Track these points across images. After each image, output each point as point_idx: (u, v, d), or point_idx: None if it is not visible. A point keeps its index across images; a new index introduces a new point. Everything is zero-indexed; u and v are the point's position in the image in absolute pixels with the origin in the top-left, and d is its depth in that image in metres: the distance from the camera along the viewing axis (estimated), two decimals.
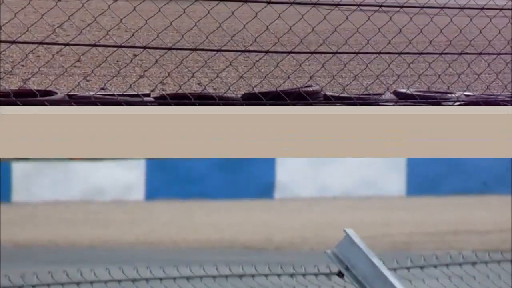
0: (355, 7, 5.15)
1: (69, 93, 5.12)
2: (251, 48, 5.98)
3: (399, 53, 6.13)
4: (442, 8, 5.18)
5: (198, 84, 13.38)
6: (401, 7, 5.13)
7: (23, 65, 14.16)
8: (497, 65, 6.68)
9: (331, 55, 5.58)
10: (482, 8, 5.20)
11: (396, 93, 6.47)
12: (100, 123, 3.74)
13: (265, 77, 5.82)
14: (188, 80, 7.32)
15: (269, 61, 12.80)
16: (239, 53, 5.21)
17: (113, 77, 8.68)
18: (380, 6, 5.05)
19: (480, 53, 5.72)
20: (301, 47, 5.92)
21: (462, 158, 13.68)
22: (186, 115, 3.92)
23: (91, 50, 6.23)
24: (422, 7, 5.30)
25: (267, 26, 5.48)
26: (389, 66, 6.87)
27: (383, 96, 6.43)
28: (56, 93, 4.92)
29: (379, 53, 5.74)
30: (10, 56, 15.05)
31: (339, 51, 5.80)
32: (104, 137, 3.73)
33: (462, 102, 6.05)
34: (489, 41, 5.90)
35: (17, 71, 12.76)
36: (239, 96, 5.74)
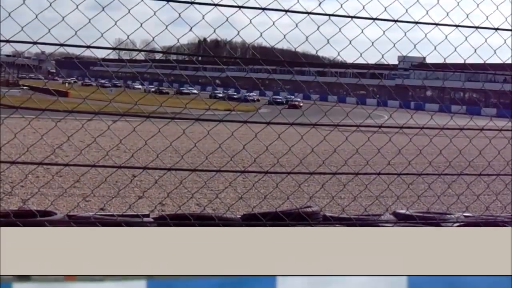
0: (354, 128, 5.21)
1: (69, 214, 5.10)
2: (250, 169, 5.97)
3: (399, 174, 6.12)
4: (441, 129, 5.24)
5: (197, 204, 13.41)
6: (401, 127, 5.19)
7: (22, 186, 14.23)
8: (496, 186, 6.69)
9: (330, 175, 5.58)
10: (481, 129, 5.26)
11: (395, 214, 6.43)
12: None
13: (264, 197, 5.79)
14: (188, 200, 7.30)
15: (268, 182, 12.83)
16: (239, 173, 5.18)
17: (112, 197, 8.68)
18: (380, 126, 5.11)
19: (480, 174, 5.72)
20: (300, 168, 5.95)
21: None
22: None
23: (90, 171, 6.25)
24: (421, 128, 5.36)
25: (267, 147, 5.54)
26: (388, 187, 6.89)
27: (383, 217, 6.37)
28: (56, 214, 4.89)
29: (379, 173, 5.73)
30: (9, 177, 15.16)
31: (338, 171, 5.80)
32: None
33: (461, 223, 6.01)
34: (489, 162, 5.92)
35: (16, 192, 12.81)
36: (239, 216, 5.71)
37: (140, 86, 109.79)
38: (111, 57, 4.95)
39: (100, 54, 4.62)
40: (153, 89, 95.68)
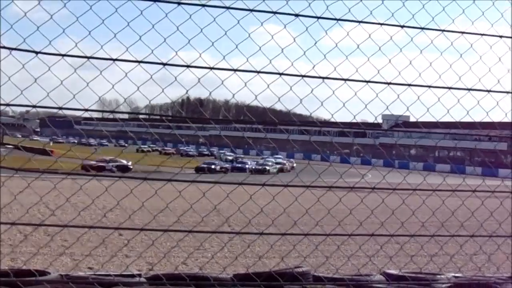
0: (348, 189, 5.33)
1: (66, 274, 5.12)
2: (244, 230, 6.04)
3: (391, 235, 6.21)
4: (434, 190, 5.37)
5: (184, 263, 13.48)
6: (394, 189, 5.32)
7: (21, 246, 14.21)
8: (489, 246, 6.79)
9: (324, 236, 5.66)
10: (474, 191, 5.39)
11: (388, 274, 6.49)
12: None
13: (259, 258, 5.83)
14: (185, 260, 7.32)
15: (263, 242, 12.84)
16: (234, 234, 5.24)
17: (112, 256, 8.66)
18: (373, 188, 5.23)
19: (472, 236, 5.83)
20: (294, 229, 6.03)
21: None
22: None
23: (82, 231, 6.29)
24: (414, 190, 5.48)
25: (261, 208, 5.63)
26: (381, 248, 6.96)
27: (375, 277, 6.43)
28: (52, 273, 4.91)
29: (372, 235, 5.83)
30: (9, 239, 15.10)
31: (332, 233, 5.88)
32: None
33: (452, 284, 6.07)
34: (481, 223, 6.04)
35: (16, 251, 12.77)
36: (233, 276, 5.75)
37: (125, 144, 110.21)
38: (95, 115, 5.05)
39: (85, 113, 4.67)
40: (146, 148, 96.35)
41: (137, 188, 4.85)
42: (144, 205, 5.25)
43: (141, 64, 4.51)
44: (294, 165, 70.32)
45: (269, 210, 6.25)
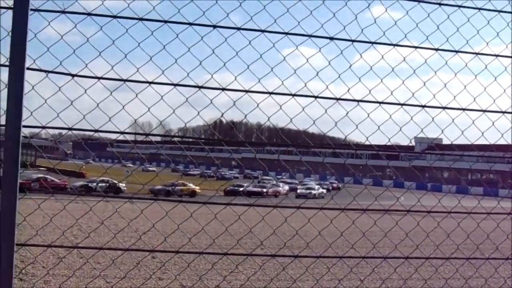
0: (382, 212, 5.27)
1: None
2: (279, 253, 5.99)
3: (426, 258, 6.12)
4: (468, 213, 5.28)
5: (228, 287, 13.45)
6: (428, 212, 5.24)
7: (55, 269, 14.36)
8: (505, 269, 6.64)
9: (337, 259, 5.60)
10: (509, 213, 5.29)
11: None
12: None
13: (294, 281, 5.77)
14: (219, 283, 7.30)
15: (297, 265, 12.77)
16: (268, 257, 5.21)
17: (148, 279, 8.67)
18: (365, 210, 5.18)
19: (507, 258, 5.71)
20: (329, 252, 6.00)
21: None
22: None
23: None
24: (448, 212, 5.40)
25: (296, 231, 5.60)
26: (416, 270, 6.87)
27: None
28: None
29: (407, 257, 5.74)
30: (42, 261, 15.27)
31: (367, 255, 5.81)
32: None
33: None
34: (497, 246, 5.91)
35: (50, 273, 12.91)
36: None
37: (154, 168, 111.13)
38: (128, 138, 5.07)
39: (117, 135, 4.67)
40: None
41: (172, 211, 4.87)
42: (179, 227, 5.26)
43: (177, 87, 4.54)
44: (340, 185, 69.25)
45: (303, 232, 6.21)
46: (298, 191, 62.75)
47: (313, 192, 63.39)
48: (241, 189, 57.58)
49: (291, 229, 5.58)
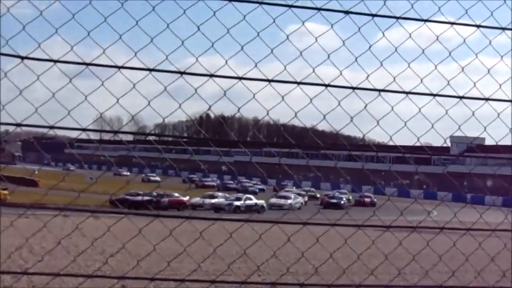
0: (410, 229, 5.29)
1: None
2: (280, 281, 6.04)
3: (465, 287, 6.16)
4: (468, 230, 5.31)
5: None
6: (415, 228, 5.29)
7: None
8: None
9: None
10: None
11: None
12: None
13: None
14: None
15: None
16: (267, 286, 5.27)
17: None
18: (388, 227, 5.20)
19: None
20: (343, 279, 6.01)
21: None
22: None
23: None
24: (493, 230, 5.43)
25: (302, 253, 5.63)
26: None
27: None
28: None
29: (387, 286, 5.79)
30: None
31: (390, 284, 5.84)
32: None
33: None
34: None
35: None
36: None
37: (127, 173, 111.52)
38: (92, 136, 5.03)
39: (78, 133, 4.59)
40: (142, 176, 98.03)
41: (146, 227, 4.86)
42: (156, 248, 5.26)
43: (153, 72, 4.54)
44: (375, 200, 68.18)
45: (310, 255, 6.22)
46: (271, 200, 63.07)
47: (289, 201, 63.58)
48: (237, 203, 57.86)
49: (295, 250, 5.59)
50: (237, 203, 56.83)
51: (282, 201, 62.92)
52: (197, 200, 57.35)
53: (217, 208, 54.62)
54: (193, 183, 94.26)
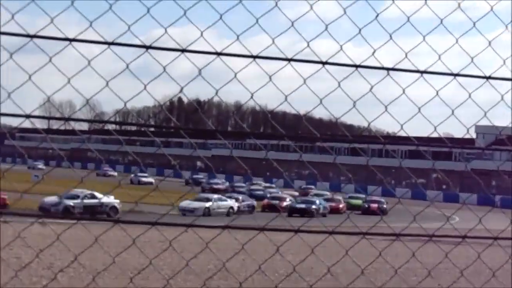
0: (425, 239, 5.34)
1: None
2: None
3: None
4: (495, 239, 5.36)
5: None
6: (495, 238, 5.32)
7: None
8: None
9: None
10: None
11: None
12: None
13: None
14: None
15: None
16: None
17: None
18: (398, 235, 5.25)
19: None
20: None
21: None
22: None
23: None
24: (464, 237, 5.48)
25: (294, 267, 5.66)
26: None
27: None
28: None
29: None
30: None
31: None
32: None
33: None
34: None
35: None
36: None
37: (114, 173, 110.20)
38: (38, 125, 5.01)
39: (20, 121, 4.56)
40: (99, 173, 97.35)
41: (104, 236, 4.86)
42: (115, 261, 5.26)
43: (112, 47, 4.54)
44: (386, 205, 66.71)
45: (304, 270, 6.25)
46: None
47: (314, 207, 63.66)
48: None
49: (286, 264, 5.61)
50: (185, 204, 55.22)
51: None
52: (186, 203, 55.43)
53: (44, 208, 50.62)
54: (198, 185, 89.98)
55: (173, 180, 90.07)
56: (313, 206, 62.41)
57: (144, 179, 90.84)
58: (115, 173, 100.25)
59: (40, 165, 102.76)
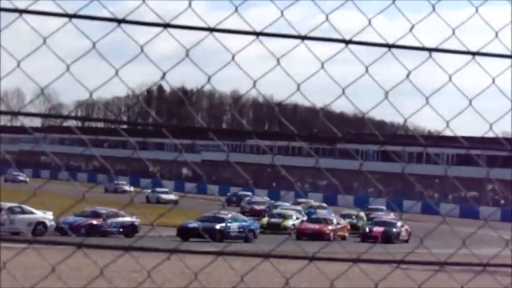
0: (479, 268, 5.38)
1: None
2: None
3: None
4: None
5: None
6: (485, 265, 5.38)
7: None
8: None
9: None
10: None
11: None
12: None
13: None
14: None
15: None
16: None
17: None
18: (442, 264, 5.30)
19: None
20: None
21: None
22: None
23: None
24: None
25: None
26: None
27: None
28: None
29: None
30: None
31: None
32: None
33: None
34: None
35: None
36: None
37: (128, 188, 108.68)
38: None
39: None
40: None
41: (64, 264, 4.88)
42: None
43: (75, 21, 4.56)
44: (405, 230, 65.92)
45: None
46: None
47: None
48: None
49: None
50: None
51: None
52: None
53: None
54: (236, 205, 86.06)
55: (196, 196, 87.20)
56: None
57: (164, 196, 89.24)
58: (131, 188, 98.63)
59: None
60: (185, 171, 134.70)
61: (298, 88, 4.98)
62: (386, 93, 5.06)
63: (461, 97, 5.18)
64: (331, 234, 60.07)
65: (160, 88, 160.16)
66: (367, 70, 5.00)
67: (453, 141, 5.57)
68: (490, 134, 5.40)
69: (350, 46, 4.89)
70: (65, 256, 4.93)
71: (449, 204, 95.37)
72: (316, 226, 62.24)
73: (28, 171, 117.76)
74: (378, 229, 63.58)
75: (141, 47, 4.69)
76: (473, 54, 5.07)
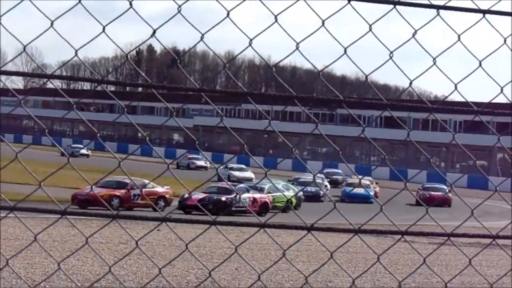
0: (487, 241, 5.38)
1: None
2: None
3: None
4: None
5: None
6: (494, 237, 5.38)
7: None
8: None
9: None
10: None
11: None
12: None
13: None
14: None
15: None
16: None
17: None
18: (449, 235, 5.31)
19: None
20: None
21: None
22: None
23: None
24: None
25: (306, 279, 5.72)
26: None
27: None
28: None
29: None
30: None
31: None
32: None
33: None
34: None
35: None
36: None
37: (205, 163, 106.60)
38: None
39: None
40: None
41: (46, 235, 4.89)
42: (61, 267, 5.29)
43: None
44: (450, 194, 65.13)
45: (319, 283, 6.29)
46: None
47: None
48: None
49: (295, 275, 5.64)
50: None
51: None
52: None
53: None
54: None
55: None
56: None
57: (197, 162, 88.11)
58: (207, 164, 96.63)
59: None
60: (176, 136, 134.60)
61: (297, 48, 4.97)
62: (391, 53, 5.04)
63: (471, 58, 5.16)
64: None
65: (150, 47, 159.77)
66: (370, 29, 4.99)
67: (461, 106, 5.54)
68: (501, 99, 5.39)
69: (353, 2, 4.88)
70: (49, 224, 4.93)
71: (456, 173, 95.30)
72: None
73: (9, 136, 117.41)
74: None
75: (130, 3, 4.68)
76: (484, 12, 5.06)
